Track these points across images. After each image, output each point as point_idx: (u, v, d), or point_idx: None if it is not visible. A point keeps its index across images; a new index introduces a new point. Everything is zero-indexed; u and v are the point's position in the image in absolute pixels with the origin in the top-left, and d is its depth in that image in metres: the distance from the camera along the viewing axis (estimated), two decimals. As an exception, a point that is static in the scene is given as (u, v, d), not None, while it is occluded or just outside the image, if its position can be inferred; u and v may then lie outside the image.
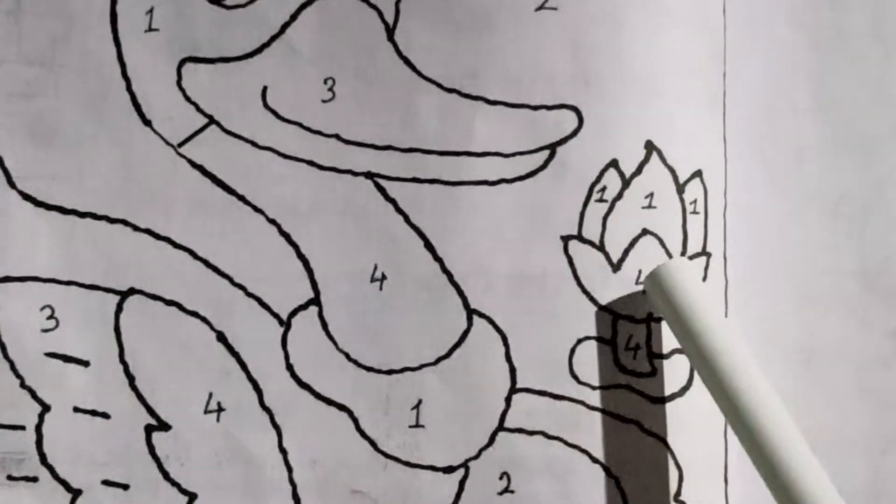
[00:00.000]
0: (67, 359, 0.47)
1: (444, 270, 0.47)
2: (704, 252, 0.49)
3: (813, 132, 0.51)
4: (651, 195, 0.48)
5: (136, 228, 0.47)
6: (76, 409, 0.46)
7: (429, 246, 0.47)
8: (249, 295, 0.47)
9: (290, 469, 0.47)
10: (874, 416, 0.51)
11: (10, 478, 0.46)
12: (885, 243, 0.51)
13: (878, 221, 0.51)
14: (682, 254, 0.48)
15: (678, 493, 0.48)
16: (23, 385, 0.46)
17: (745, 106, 0.50)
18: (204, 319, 0.47)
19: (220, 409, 0.47)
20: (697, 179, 0.48)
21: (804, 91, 0.51)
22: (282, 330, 0.47)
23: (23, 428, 0.46)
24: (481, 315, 0.47)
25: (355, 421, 0.47)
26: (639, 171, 0.48)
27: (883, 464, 0.51)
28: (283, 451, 0.47)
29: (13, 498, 0.46)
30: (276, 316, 0.47)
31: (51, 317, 0.47)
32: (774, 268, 0.51)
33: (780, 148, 0.51)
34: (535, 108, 0.47)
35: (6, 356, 0.46)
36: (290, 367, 0.47)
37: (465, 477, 0.47)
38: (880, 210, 0.52)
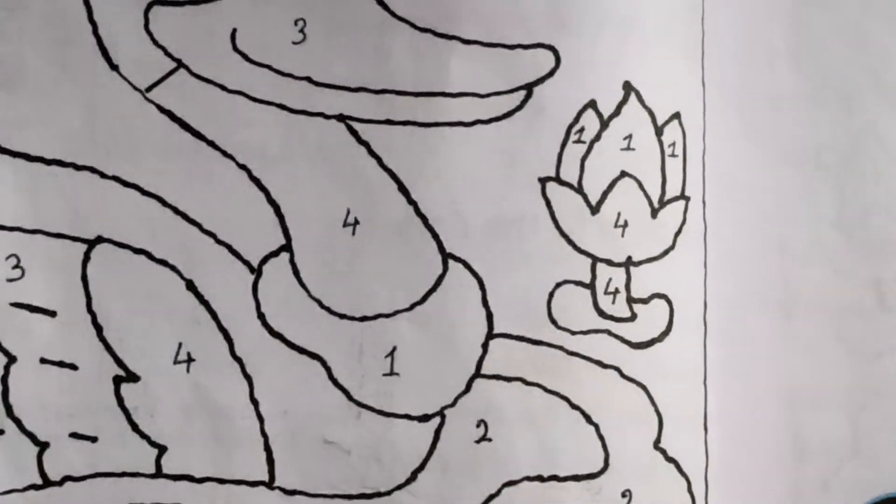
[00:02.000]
0: (33, 309, 0.45)
1: (419, 214, 0.46)
2: (683, 196, 0.48)
3: (791, 82, 0.50)
4: (630, 137, 0.47)
5: (103, 176, 0.46)
6: (43, 361, 0.45)
7: (403, 189, 0.46)
8: (219, 242, 0.46)
9: (261, 420, 0.46)
10: (853, 369, 0.50)
11: None
12: (864, 194, 0.51)
13: (857, 172, 0.51)
14: (661, 197, 0.47)
15: (658, 440, 0.47)
16: (-13, 335, 0.45)
17: (722, 54, 0.49)
18: (173, 268, 0.46)
19: (189, 360, 0.46)
20: (676, 122, 0.48)
21: (781, 40, 0.50)
22: (252, 277, 0.46)
23: (-13, 379, 0.45)
24: (457, 259, 0.46)
25: (328, 370, 0.46)
26: (617, 112, 0.47)
27: (862, 418, 0.50)
28: (255, 402, 0.46)
29: None
30: (246, 263, 0.46)
31: (16, 266, 0.45)
32: (753, 217, 0.50)
33: (757, 97, 0.50)
34: (511, 47, 0.46)
35: (-31, 306, 0.45)
36: (261, 316, 0.46)
37: (441, 425, 0.46)
38: (859, 161, 0.51)
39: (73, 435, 0.45)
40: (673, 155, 0.47)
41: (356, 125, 0.46)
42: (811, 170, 0.50)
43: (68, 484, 0.45)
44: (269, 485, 0.45)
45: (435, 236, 0.46)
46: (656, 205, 0.47)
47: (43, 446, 0.45)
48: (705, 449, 0.47)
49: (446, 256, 0.46)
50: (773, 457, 0.49)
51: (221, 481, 0.45)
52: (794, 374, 0.49)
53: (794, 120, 0.50)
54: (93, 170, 0.46)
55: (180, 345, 0.46)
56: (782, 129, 0.50)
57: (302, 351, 0.46)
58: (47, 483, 0.45)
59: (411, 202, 0.46)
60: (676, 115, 0.47)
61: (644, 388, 0.47)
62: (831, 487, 0.50)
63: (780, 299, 0.50)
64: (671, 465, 0.47)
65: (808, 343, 0.50)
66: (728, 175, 0.49)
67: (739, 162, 0.50)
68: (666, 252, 0.47)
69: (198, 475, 0.45)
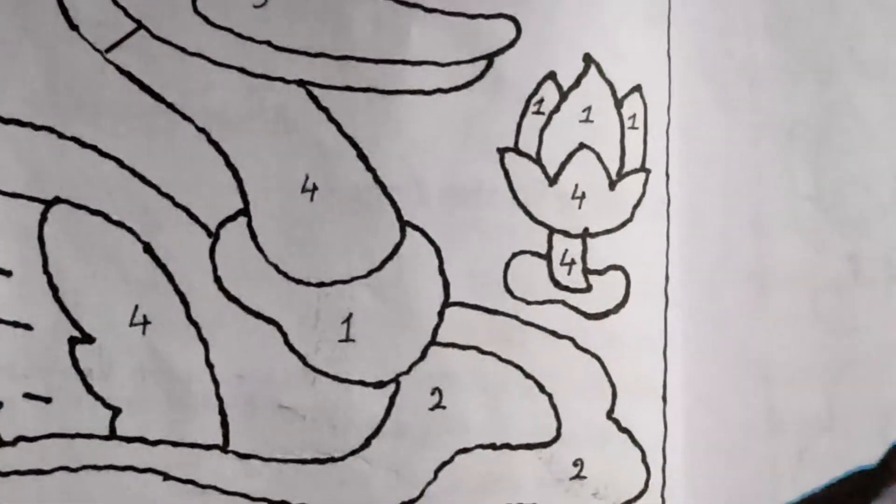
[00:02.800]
0: (-12, 268, 0.45)
1: (377, 181, 0.46)
2: (643, 168, 0.48)
3: (766, 55, 0.50)
4: (589, 109, 0.47)
5: (61, 136, 0.46)
6: (-3, 320, 0.45)
7: (361, 156, 0.46)
8: (177, 205, 0.46)
9: (216, 384, 0.46)
10: (827, 343, 0.50)
11: None
12: (840, 167, 0.51)
13: (833, 146, 0.51)
14: (620, 169, 0.47)
15: (611, 410, 0.47)
16: (-59, 294, 0.45)
17: (693, 26, 0.49)
18: (130, 230, 0.46)
19: (145, 322, 0.46)
20: (637, 94, 0.48)
21: (758, 12, 0.50)
22: (210, 241, 0.46)
23: (-59, 338, 0.45)
24: (414, 227, 0.46)
25: (284, 335, 0.46)
26: (577, 83, 0.47)
27: (837, 392, 0.50)
28: (210, 366, 0.46)
29: None
30: (204, 227, 0.46)
31: (-29, 225, 0.45)
32: (727, 191, 0.50)
33: (731, 70, 0.50)
34: (473, 16, 0.46)
35: (-76, 264, 0.45)
36: (217, 280, 0.46)
37: (396, 392, 0.46)
38: (834, 134, 0.51)
39: (27, 395, 0.45)
40: (633, 127, 0.47)
41: (316, 91, 0.46)
42: (786, 143, 0.51)
43: (21, 444, 0.45)
44: (224, 448, 0.46)
45: (393, 204, 0.46)
46: (614, 177, 0.47)
47: (-4, 406, 0.45)
48: (664, 420, 0.48)
49: (404, 224, 0.46)
50: (746, 430, 0.50)
51: (175, 444, 0.45)
52: (768, 348, 0.49)
53: (768, 93, 0.50)
54: (51, 130, 0.46)
55: (136, 307, 0.46)
56: (757, 102, 0.50)
57: (258, 315, 0.46)
58: (0, 443, 0.44)
59: (370, 169, 0.46)
60: (637, 88, 0.47)
61: (598, 358, 0.47)
62: (805, 460, 0.50)
63: (754, 272, 0.50)
64: (624, 436, 0.47)
65: (782, 317, 0.50)
66: (698, 148, 0.49)
67: (710, 135, 0.50)
68: (623, 224, 0.48)
69: (152, 438, 0.45)
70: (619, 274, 0.47)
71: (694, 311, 0.49)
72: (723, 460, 0.49)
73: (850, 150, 0.51)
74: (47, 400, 0.45)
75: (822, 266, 0.51)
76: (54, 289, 0.45)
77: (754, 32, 0.50)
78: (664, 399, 0.48)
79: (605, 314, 0.47)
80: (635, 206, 0.48)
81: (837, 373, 0.50)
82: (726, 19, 0.50)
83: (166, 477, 0.45)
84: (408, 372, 0.46)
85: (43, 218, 0.46)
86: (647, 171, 0.48)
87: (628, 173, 0.48)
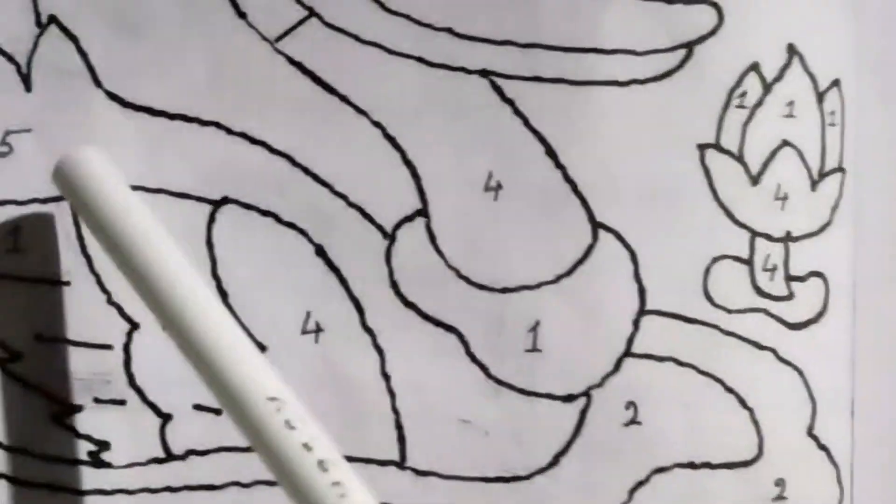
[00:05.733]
0: (156, 272, 0.43)
1: (567, 179, 0.43)
2: (840, 168, 0.45)
3: None
4: (792, 103, 0.44)
5: (229, 132, 0.43)
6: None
7: (550, 152, 0.43)
8: (351, 205, 0.43)
9: (392, 395, 0.43)
10: None
11: (96, 400, 0.43)
12: None
13: None
14: (821, 169, 0.44)
15: (811, 426, 0.44)
16: (110, 301, 0.42)
17: (883, 15, 0.46)
18: (302, 231, 0.43)
19: (318, 330, 0.43)
20: (836, 89, 0.44)
21: None
22: (386, 243, 0.43)
23: (110, 347, 0.42)
24: (608, 229, 0.43)
25: (465, 344, 0.43)
26: (780, 76, 0.43)
27: None
28: (386, 376, 0.43)
29: (100, 422, 0.42)
30: (379, 228, 0.43)
31: (137, 226, 0.43)
32: None
33: None
34: (671, 2, 0.43)
35: (92, 269, 0.42)
36: (394, 285, 0.43)
37: (587, 406, 0.43)
38: None
39: (197, 407, 0.42)
40: (832, 124, 0.44)
41: (500, 81, 0.43)
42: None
43: (192, 458, 0.42)
44: (401, 464, 0.43)
45: (584, 204, 0.43)
46: (816, 177, 0.44)
47: (166, 418, 0.43)
48: (851, 436, 0.44)
49: (596, 226, 0.43)
50: None
51: (350, 458, 0.43)
52: None
53: None
54: (218, 125, 0.43)
55: (308, 314, 0.43)
56: None
57: (437, 323, 0.43)
58: (170, 457, 0.42)
59: (559, 166, 0.43)
60: (836, 82, 0.44)
61: (799, 371, 0.44)
62: None
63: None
64: (823, 454, 0.44)
65: None
66: (885, 146, 0.46)
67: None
68: (823, 227, 0.44)
69: (326, 452, 0.43)
70: (818, 281, 0.44)
71: (878, 319, 0.46)
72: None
73: None
74: (217, 412, 0.43)
75: None
76: (223, 294, 0.43)
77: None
78: (852, 413, 0.45)
79: (806, 324, 0.44)
80: (834, 208, 0.45)
81: None
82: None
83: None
84: (600, 385, 0.43)
85: (211, 219, 0.43)
86: (843, 171, 0.44)
87: (828, 173, 0.44)
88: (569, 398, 0.43)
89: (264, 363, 0.37)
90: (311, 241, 0.43)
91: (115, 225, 0.39)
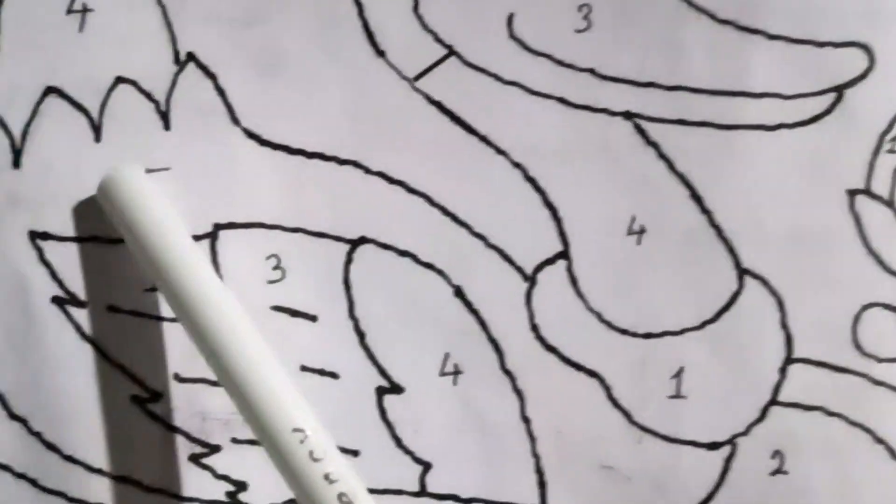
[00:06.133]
0: (294, 313, 0.43)
1: (713, 224, 0.42)
2: None
3: None
4: None
5: (367, 171, 0.43)
6: (303, 368, 0.43)
7: (696, 197, 0.42)
8: (490, 246, 0.43)
9: (533, 439, 0.43)
10: None
11: (234, 441, 0.42)
12: None
13: None
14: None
15: (958, 480, 0.43)
16: (248, 340, 0.42)
17: None
18: (440, 272, 0.43)
19: (456, 372, 0.43)
20: None
21: None
22: (526, 286, 0.43)
23: (248, 387, 0.42)
24: (754, 275, 0.42)
25: (607, 389, 0.42)
26: (932, 119, 0.42)
27: None
28: (526, 420, 0.43)
29: (238, 462, 0.42)
30: (519, 270, 0.43)
31: (277, 267, 0.43)
32: None
33: None
34: (821, 44, 0.42)
35: (230, 308, 0.42)
36: (534, 328, 0.43)
37: (732, 455, 0.42)
38: None
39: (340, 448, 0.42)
40: None
41: (644, 124, 0.42)
42: None
43: (331, 501, 0.42)
44: (541, 509, 0.42)
45: (730, 249, 0.42)
46: (963, 225, 0.43)
47: (304, 460, 0.42)
48: None
49: (742, 272, 0.42)
50: None
51: (490, 502, 0.42)
52: None
53: None
54: (356, 164, 0.43)
55: (447, 355, 0.43)
56: None
57: (579, 367, 0.42)
58: (311, 500, 0.42)
59: (705, 211, 0.42)
60: None
61: (948, 420, 0.43)
62: None
63: None
64: (962, 505, 0.43)
65: None
66: None
67: None
68: (967, 278, 0.43)
69: (464, 495, 0.43)
70: (966, 326, 0.43)
71: None
72: None
73: None
74: (355, 453, 0.43)
75: None
76: (361, 334, 0.43)
77: None
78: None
79: (954, 371, 0.43)
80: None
81: None
82: None
83: (481, 538, 0.42)
84: (745, 433, 0.42)
85: (349, 259, 0.43)
86: None
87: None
88: (713, 446, 0.42)
89: (295, 395, 0.38)
90: (449, 282, 0.43)
91: (157, 247, 0.40)
